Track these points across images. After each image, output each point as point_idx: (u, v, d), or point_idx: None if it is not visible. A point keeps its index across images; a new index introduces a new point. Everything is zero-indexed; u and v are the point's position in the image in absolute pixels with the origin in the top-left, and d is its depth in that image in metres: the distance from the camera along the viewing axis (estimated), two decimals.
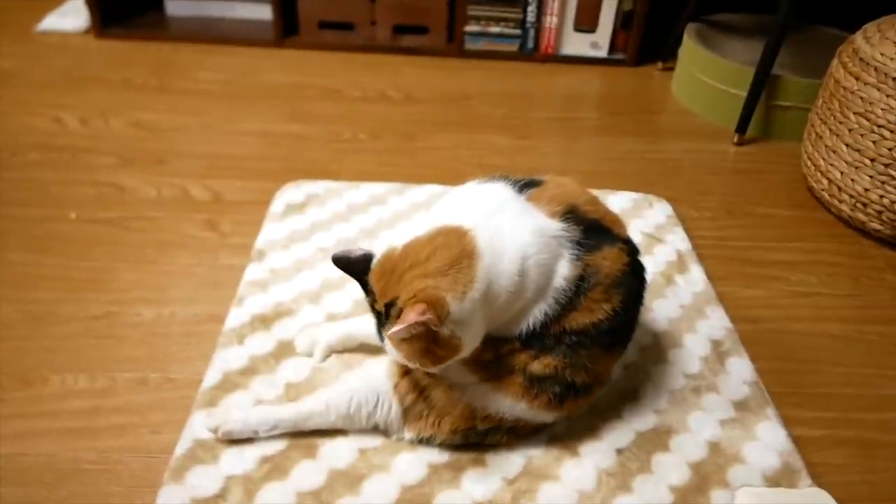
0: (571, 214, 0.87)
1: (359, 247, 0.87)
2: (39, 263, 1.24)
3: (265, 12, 2.17)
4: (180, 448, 0.90)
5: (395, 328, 0.76)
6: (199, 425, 0.92)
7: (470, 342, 0.82)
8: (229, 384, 0.99)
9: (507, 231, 0.83)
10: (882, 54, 1.34)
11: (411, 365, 0.83)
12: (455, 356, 0.81)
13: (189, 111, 1.78)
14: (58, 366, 1.05)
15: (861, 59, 1.38)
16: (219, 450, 0.90)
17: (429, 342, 0.79)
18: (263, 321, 1.10)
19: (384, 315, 0.82)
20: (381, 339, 0.84)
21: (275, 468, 0.88)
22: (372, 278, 0.83)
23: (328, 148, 1.66)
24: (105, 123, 1.70)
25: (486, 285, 0.80)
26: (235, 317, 1.11)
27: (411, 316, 0.75)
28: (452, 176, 0.93)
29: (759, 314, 1.23)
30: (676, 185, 1.59)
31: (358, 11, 2.14)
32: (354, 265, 0.85)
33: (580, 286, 0.84)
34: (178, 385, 1.03)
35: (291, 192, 1.42)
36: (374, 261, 0.84)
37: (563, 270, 0.84)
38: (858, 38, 1.43)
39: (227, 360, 1.03)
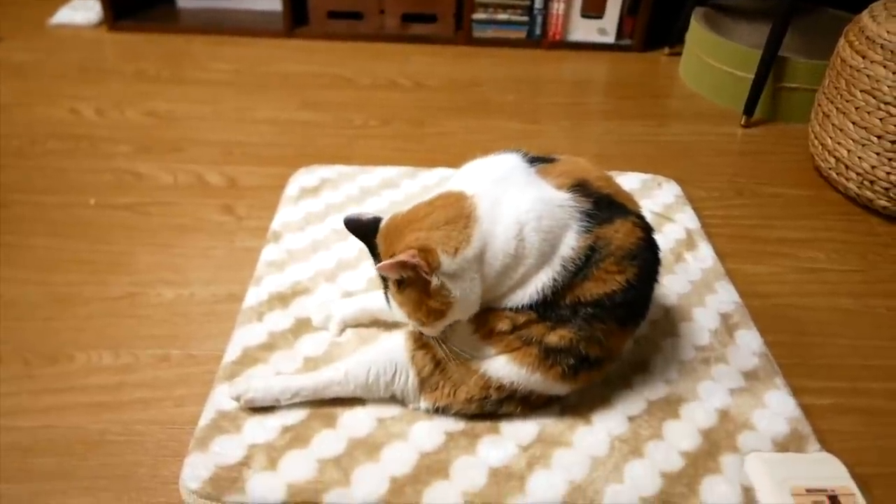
0: (581, 187, 0.88)
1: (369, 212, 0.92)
2: (62, 247, 1.27)
3: (275, 3, 2.19)
4: (204, 419, 0.93)
5: (383, 262, 0.81)
6: (221, 397, 0.95)
7: (463, 301, 0.85)
8: (249, 359, 1.02)
9: (509, 197, 0.86)
10: (888, 31, 1.35)
11: (412, 322, 0.87)
12: (448, 313, 0.85)
13: (202, 100, 1.80)
14: (82, 344, 1.08)
15: (867, 38, 1.39)
16: (241, 420, 0.93)
17: (421, 293, 0.83)
18: (281, 299, 1.13)
19: None
20: (387, 300, 0.89)
21: (296, 437, 0.91)
22: (378, 240, 0.88)
23: (340, 134, 1.69)
24: (120, 113, 1.73)
25: (482, 247, 0.83)
26: (254, 295, 1.13)
27: (400, 256, 0.80)
28: (463, 160, 0.95)
29: (768, 290, 1.25)
30: (685, 167, 1.60)
31: (366, 1, 2.16)
32: (364, 227, 0.90)
33: (591, 256, 0.86)
34: (199, 361, 1.06)
35: (305, 177, 1.45)
36: (382, 224, 0.89)
37: (571, 241, 0.86)
38: (865, 16, 1.44)
39: (246, 336, 1.06)
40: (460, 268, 0.83)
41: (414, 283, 0.83)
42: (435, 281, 0.82)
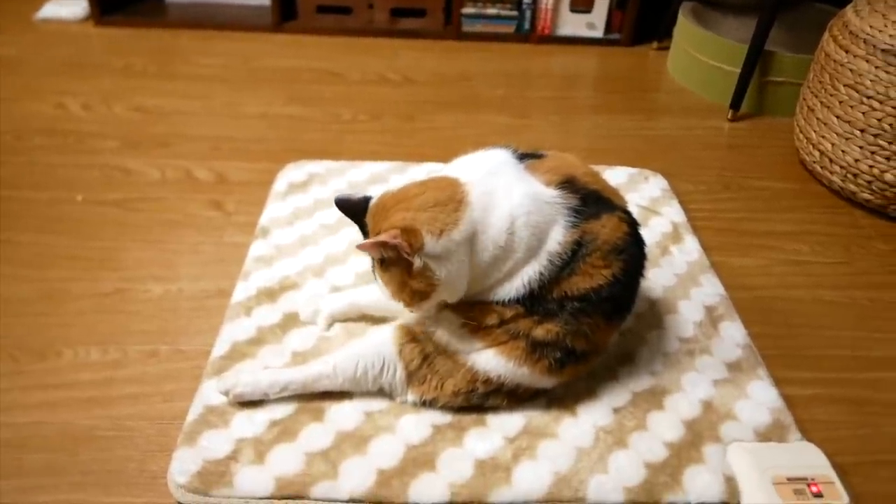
0: (568, 184, 0.90)
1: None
2: (50, 244, 1.27)
3: None
4: (192, 414, 0.94)
5: (363, 242, 0.83)
6: (210, 392, 0.96)
7: (449, 283, 0.86)
8: (238, 354, 1.03)
9: (501, 190, 0.87)
10: (871, 27, 1.36)
11: (396, 301, 0.89)
12: (433, 294, 0.86)
13: (190, 96, 1.80)
14: (71, 340, 1.08)
15: (851, 32, 1.40)
16: (230, 415, 0.93)
17: (404, 273, 0.84)
18: (269, 294, 1.13)
19: None
20: (375, 276, 0.91)
21: (284, 431, 0.91)
22: (368, 218, 0.89)
23: (329, 129, 1.69)
24: (108, 108, 1.72)
25: (471, 233, 0.85)
26: (242, 290, 1.14)
27: (382, 237, 0.81)
28: (452, 154, 0.96)
29: (753, 282, 1.26)
30: (672, 161, 1.61)
31: None
32: (355, 207, 0.91)
33: (577, 251, 0.87)
34: (187, 356, 1.06)
35: (294, 172, 1.45)
36: (371, 202, 0.90)
37: (558, 235, 0.87)
38: (849, 11, 1.45)
39: (235, 331, 1.06)
40: (446, 249, 0.83)
41: (396, 262, 0.84)
42: (417, 262, 0.83)
